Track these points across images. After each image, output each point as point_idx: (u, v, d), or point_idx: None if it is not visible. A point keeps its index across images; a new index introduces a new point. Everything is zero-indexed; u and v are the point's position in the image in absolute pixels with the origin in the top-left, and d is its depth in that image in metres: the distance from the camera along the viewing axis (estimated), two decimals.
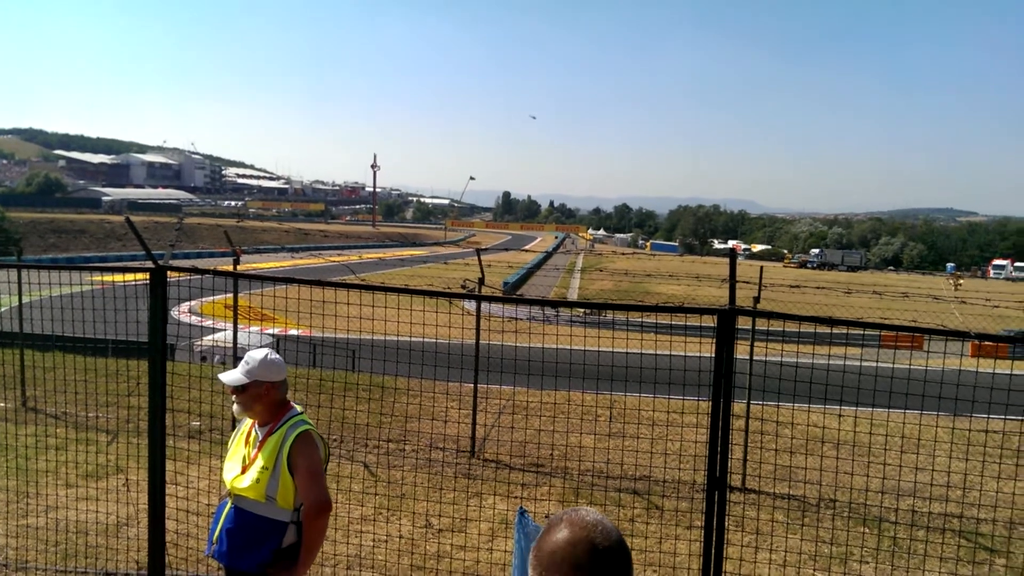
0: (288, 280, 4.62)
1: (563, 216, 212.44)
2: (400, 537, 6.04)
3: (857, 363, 4.28)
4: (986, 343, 21.53)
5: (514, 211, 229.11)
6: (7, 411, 9.01)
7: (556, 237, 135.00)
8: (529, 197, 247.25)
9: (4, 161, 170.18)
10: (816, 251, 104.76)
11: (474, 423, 8.89)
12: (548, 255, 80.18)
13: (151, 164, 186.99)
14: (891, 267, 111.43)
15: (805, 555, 6.02)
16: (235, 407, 3.38)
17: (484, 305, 9.79)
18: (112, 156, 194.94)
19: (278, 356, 3.44)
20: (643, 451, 6.21)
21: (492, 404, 10.60)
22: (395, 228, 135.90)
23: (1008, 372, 4.13)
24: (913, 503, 7.22)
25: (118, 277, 4.92)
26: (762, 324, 8.09)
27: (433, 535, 6.25)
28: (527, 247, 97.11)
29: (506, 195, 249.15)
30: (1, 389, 9.56)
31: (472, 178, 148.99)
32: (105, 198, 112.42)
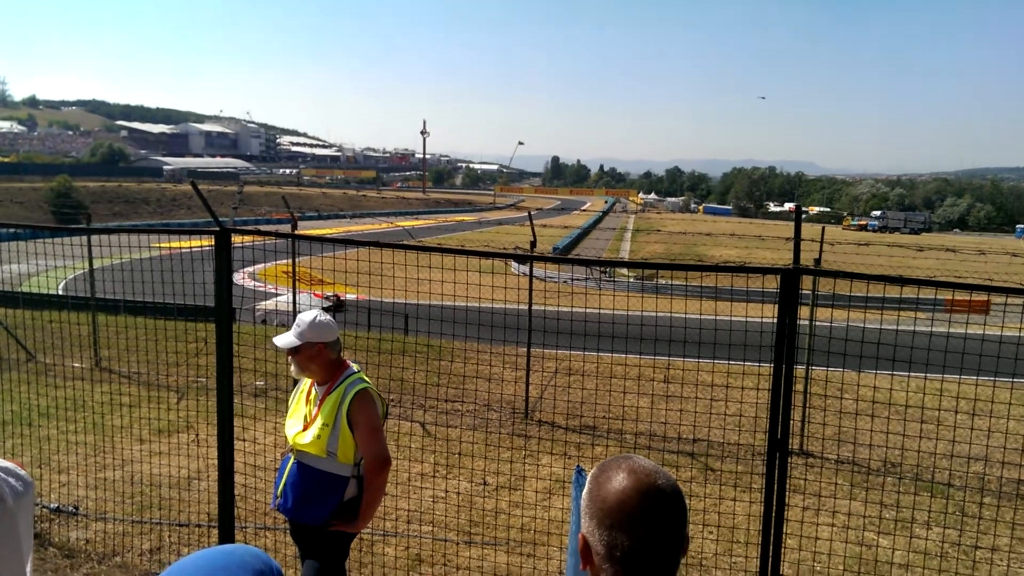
0: (345, 241, 4.66)
1: (613, 180, 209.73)
2: (458, 494, 6.14)
3: (924, 328, 4.12)
4: None
5: (563, 176, 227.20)
6: (82, 371, 9.43)
7: (606, 202, 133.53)
8: (578, 161, 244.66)
9: (70, 132, 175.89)
10: (877, 213, 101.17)
11: (527, 385, 8.94)
12: (599, 219, 79.50)
13: (208, 133, 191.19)
14: (956, 229, 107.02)
15: (867, 519, 5.91)
16: (292, 368, 3.46)
17: (537, 269, 9.76)
18: (171, 126, 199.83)
19: (328, 317, 3.49)
20: (699, 413, 6.16)
21: (546, 367, 10.64)
22: (445, 194, 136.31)
23: None
24: (981, 469, 7.01)
25: (184, 244, 5.04)
26: (824, 287, 7.86)
27: (489, 493, 6.35)
28: (577, 210, 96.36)
29: (555, 160, 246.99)
30: (76, 350, 10.00)
31: (521, 143, 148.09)
32: (166, 167, 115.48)
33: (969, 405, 6.05)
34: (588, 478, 1.38)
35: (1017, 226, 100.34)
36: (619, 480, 1.32)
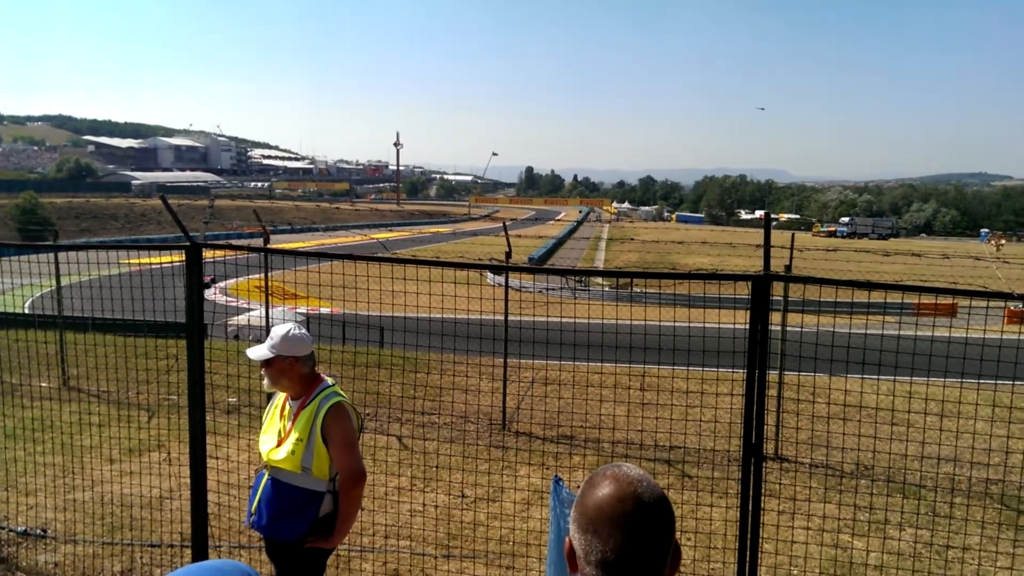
0: (319, 255, 4.63)
1: (587, 190, 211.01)
2: (435, 507, 6.11)
3: (892, 332, 4.20)
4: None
5: (537, 186, 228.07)
6: (50, 390, 9.24)
7: (580, 211, 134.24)
8: (552, 171, 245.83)
9: (36, 148, 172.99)
10: (846, 219, 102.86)
11: (504, 396, 8.93)
12: (573, 229, 79.88)
13: (178, 147, 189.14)
14: (923, 234, 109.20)
15: (841, 522, 5.98)
16: (264, 381, 3.42)
17: (512, 280, 9.78)
18: (140, 140, 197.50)
19: (302, 330, 3.46)
20: (675, 420, 6.20)
21: (523, 377, 10.64)
22: (419, 205, 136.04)
23: None
24: (952, 470, 7.13)
25: (154, 259, 4.98)
26: (795, 293, 7.98)
27: (468, 505, 6.32)
28: (552, 220, 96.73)
29: (529, 170, 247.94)
30: (44, 369, 9.80)
31: (495, 154, 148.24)
32: (135, 182, 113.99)
33: (938, 407, 6.16)
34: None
35: (981, 230, 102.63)
36: (601, 487, 1.34)
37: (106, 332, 10.73)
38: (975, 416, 6.43)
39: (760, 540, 3.82)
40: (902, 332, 4.30)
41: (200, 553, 4.30)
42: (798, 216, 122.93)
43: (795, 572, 5.24)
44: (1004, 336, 4.29)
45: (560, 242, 60.15)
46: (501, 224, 10.76)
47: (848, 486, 6.90)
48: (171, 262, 4.80)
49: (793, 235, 8.92)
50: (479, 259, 6.51)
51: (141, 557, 5.17)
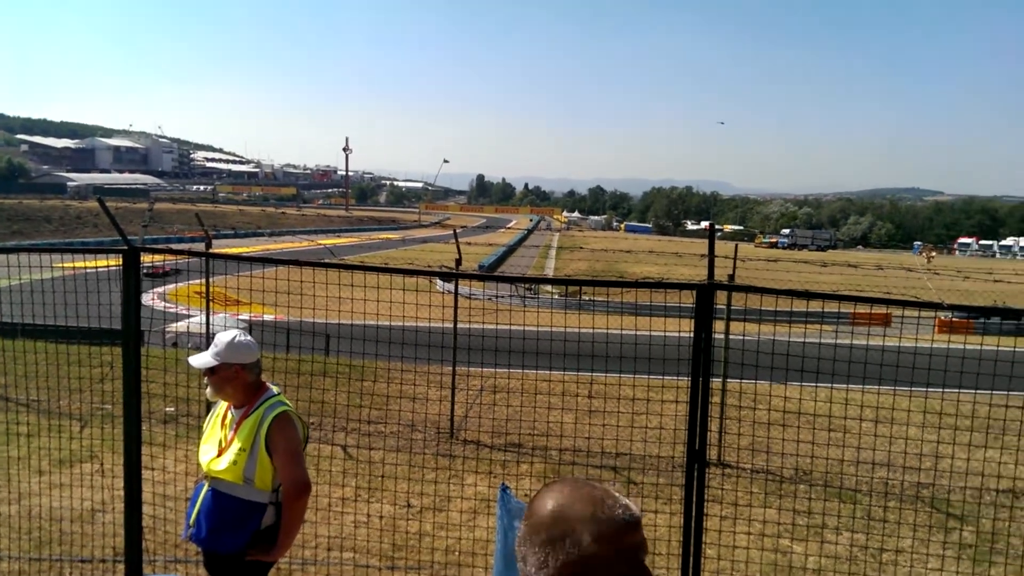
0: (263, 260, 4.55)
1: (537, 199, 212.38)
2: (380, 518, 6.02)
3: (830, 341, 4.33)
4: (955, 319, 22.01)
5: (488, 194, 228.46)
6: None
7: (531, 220, 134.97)
8: (503, 180, 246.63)
9: None
10: (787, 231, 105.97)
11: (453, 404, 8.88)
12: (523, 237, 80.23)
13: (117, 148, 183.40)
14: (860, 246, 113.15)
15: (781, 526, 6.12)
16: (207, 390, 3.33)
17: (462, 287, 9.75)
18: (76, 140, 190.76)
19: (248, 337, 3.39)
20: (621, 427, 6.26)
21: (471, 385, 10.60)
22: (369, 212, 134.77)
23: (977, 347, 4.24)
24: (886, 474, 7.38)
25: (90, 263, 4.80)
26: (738, 302, 8.16)
27: (414, 515, 6.25)
28: (503, 228, 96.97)
29: (480, 178, 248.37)
30: None
31: (446, 161, 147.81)
32: (71, 183, 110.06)
33: (873, 413, 6.38)
34: (523, 507, 1.39)
35: (914, 243, 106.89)
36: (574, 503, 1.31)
37: (37, 338, 10.31)
38: (908, 422, 6.68)
39: (703, 545, 3.88)
40: (839, 340, 4.43)
41: (134, 568, 4.15)
42: (742, 227, 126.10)
43: None
44: (935, 344, 4.46)
45: (511, 250, 60.33)
46: (451, 231, 10.73)
47: (788, 491, 7.07)
48: (107, 266, 4.64)
49: (736, 246, 9.13)
50: (428, 266, 6.47)
51: (71, 573, 4.97)
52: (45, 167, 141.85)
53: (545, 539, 1.27)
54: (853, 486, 7.21)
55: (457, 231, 10.94)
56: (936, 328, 21.00)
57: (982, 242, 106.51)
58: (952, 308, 3.84)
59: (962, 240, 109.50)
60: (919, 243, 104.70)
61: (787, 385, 7.54)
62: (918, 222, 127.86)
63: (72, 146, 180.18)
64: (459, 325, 8.86)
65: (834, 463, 7.30)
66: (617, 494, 1.31)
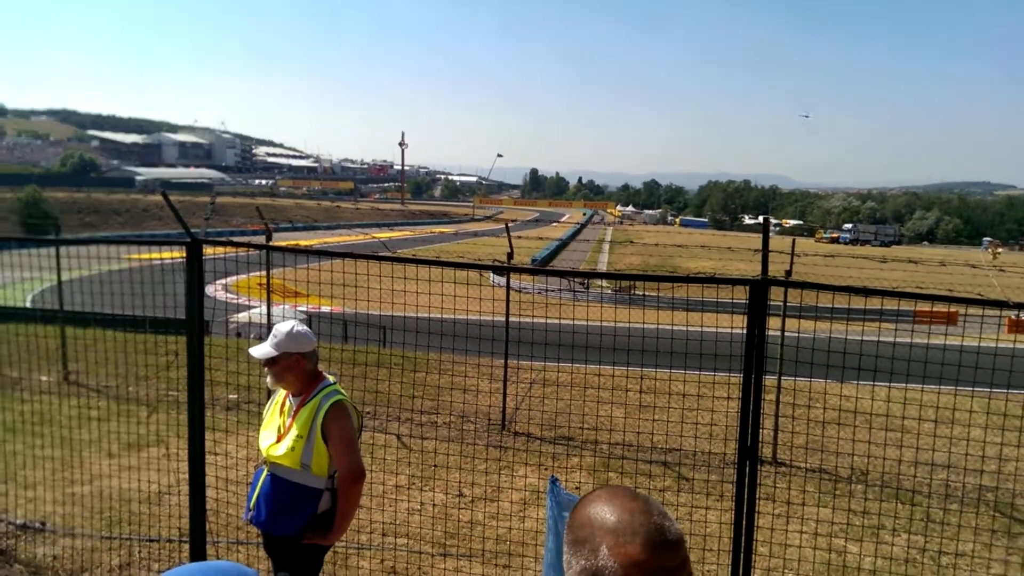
0: (321, 253, 4.66)
1: (591, 193, 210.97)
2: (434, 506, 6.13)
3: (890, 339, 4.22)
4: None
5: (542, 188, 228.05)
6: (50, 384, 9.28)
7: (584, 214, 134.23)
8: (557, 174, 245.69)
9: (39, 142, 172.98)
10: (849, 226, 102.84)
11: (504, 396, 8.96)
12: (577, 231, 79.88)
13: (182, 144, 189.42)
14: (925, 242, 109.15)
15: (836, 526, 6.00)
16: (268, 379, 3.45)
17: (514, 281, 9.80)
18: (144, 136, 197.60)
19: (305, 328, 3.48)
20: (673, 422, 6.23)
21: (523, 378, 10.66)
22: (423, 206, 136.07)
23: None
24: (947, 476, 7.15)
25: (154, 255, 5.01)
26: (794, 299, 8.00)
27: (466, 504, 6.34)
28: (556, 223, 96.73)
29: (534, 172, 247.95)
30: (44, 363, 9.84)
31: (500, 155, 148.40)
32: (138, 177, 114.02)
33: (935, 414, 6.18)
34: (573, 499, 1.37)
35: (983, 239, 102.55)
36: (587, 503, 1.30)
37: (107, 327, 10.78)
38: (970, 423, 6.46)
39: (754, 543, 3.85)
40: (898, 339, 4.32)
41: (198, 548, 4.33)
42: (801, 222, 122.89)
43: (789, 574, 5.26)
44: (1001, 344, 4.31)
45: (563, 244, 60.15)
46: (504, 225, 10.79)
47: (844, 491, 6.92)
48: (172, 258, 4.83)
49: (794, 240, 8.94)
50: (480, 260, 6.53)
51: (139, 551, 5.20)
52: (115, 162, 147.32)
53: (572, 540, 1.24)
54: (912, 487, 7.01)
55: (509, 225, 11.00)
56: (1007, 327, 20.16)
57: None
58: (1018, 306, 3.70)
59: None
60: (988, 239, 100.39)
61: (844, 384, 7.38)
62: (988, 217, 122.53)
63: (140, 141, 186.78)
64: (511, 319, 8.93)
65: (893, 463, 7.10)
66: (660, 511, 1.23)
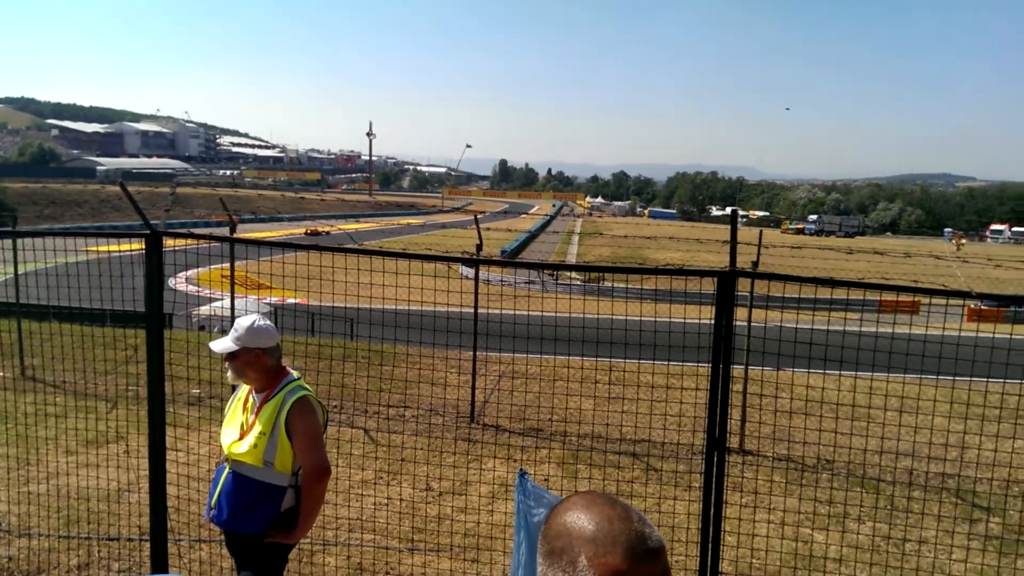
0: (285, 245, 4.56)
1: (560, 184, 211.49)
2: (401, 500, 6.08)
3: (855, 329, 4.25)
4: (984, 308, 21.61)
5: (511, 179, 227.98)
6: (6, 380, 9.01)
7: (554, 205, 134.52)
8: (527, 165, 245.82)
9: None
10: (814, 217, 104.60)
11: (473, 389, 8.91)
12: (546, 223, 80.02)
13: (145, 133, 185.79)
14: (889, 232, 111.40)
15: (802, 515, 6.07)
16: (229, 374, 3.36)
17: (483, 273, 9.75)
18: (105, 125, 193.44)
19: (267, 322, 3.40)
20: (641, 413, 6.23)
21: (491, 370, 10.63)
22: (392, 197, 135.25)
23: (1007, 336, 4.17)
24: (911, 464, 7.28)
25: (114, 247, 4.86)
26: (761, 289, 8.07)
27: (434, 498, 6.29)
28: (525, 214, 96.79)
29: (503, 163, 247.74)
30: (0, 358, 9.55)
31: (469, 146, 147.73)
32: (99, 167, 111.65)
33: (898, 402, 6.28)
34: (541, 491, 1.30)
35: (944, 229, 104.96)
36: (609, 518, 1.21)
37: (66, 321, 10.49)
38: (934, 412, 6.58)
39: (722, 532, 3.86)
40: (864, 329, 4.36)
41: (159, 547, 4.22)
42: (768, 213, 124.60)
43: (756, 564, 5.30)
44: (963, 333, 4.37)
45: (533, 236, 60.23)
46: (473, 217, 10.72)
47: (810, 480, 7.01)
48: (132, 250, 4.69)
49: (761, 232, 9.02)
50: (449, 252, 6.46)
51: (99, 551, 5.07)
52: (75, 151, 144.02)
53: (548, 551, 1.18)
54: (877, 475, 7.13)
55: (479, 216, 10.94)
56: (966, 317, 20.65)
57: (1015, 229, 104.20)
58: (980, 296, 3.75)
59: (994, 227, 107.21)
60: (949, 230, 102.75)
61: (810, 373, 7.46)
62: (949, 208, 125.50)
63: (101, 131, 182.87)
64: (480, 311, 8.87)
65: (858, 452, 7.21)
66: (640, 517, 1.19)
